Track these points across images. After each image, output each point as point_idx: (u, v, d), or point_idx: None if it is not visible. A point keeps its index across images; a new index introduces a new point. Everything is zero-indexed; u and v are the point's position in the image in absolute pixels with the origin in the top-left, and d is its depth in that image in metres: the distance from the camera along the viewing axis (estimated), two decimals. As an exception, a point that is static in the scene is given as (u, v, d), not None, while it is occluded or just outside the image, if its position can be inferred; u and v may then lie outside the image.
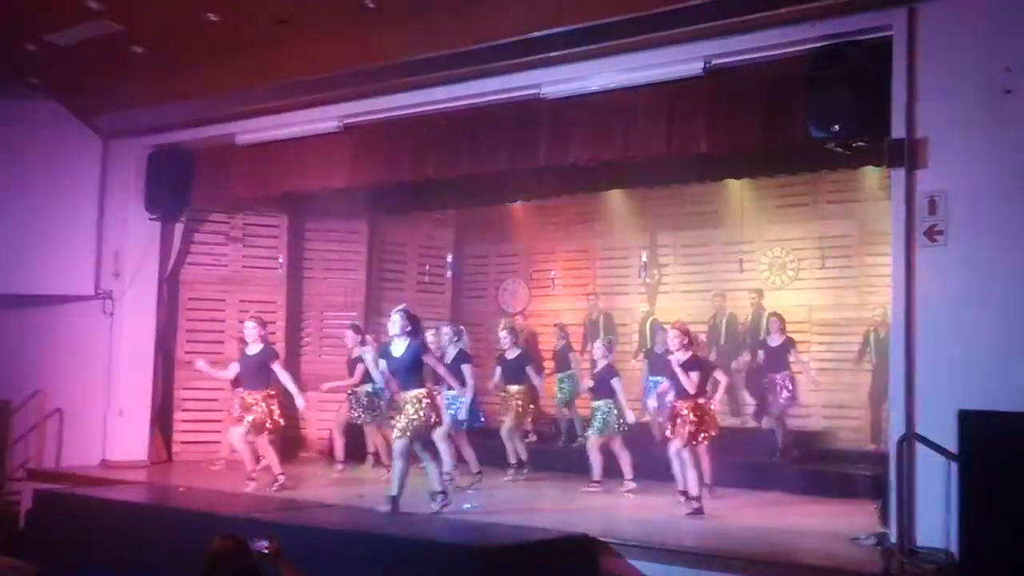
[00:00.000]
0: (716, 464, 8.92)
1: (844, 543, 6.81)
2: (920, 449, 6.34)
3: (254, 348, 9.18)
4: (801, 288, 11.68)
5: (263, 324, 9.40)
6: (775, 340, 10.27)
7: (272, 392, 9.13)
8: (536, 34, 8.06)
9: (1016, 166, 6.40)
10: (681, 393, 8.25)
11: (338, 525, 7.39)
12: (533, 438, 11.49)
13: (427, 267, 13.43)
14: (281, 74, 9.46)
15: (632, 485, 9.18)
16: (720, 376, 9.07)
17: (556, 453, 11.27)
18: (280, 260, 12.21)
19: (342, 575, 6.17)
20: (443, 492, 7.85)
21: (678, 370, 8.20)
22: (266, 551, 4.80)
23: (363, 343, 10.25)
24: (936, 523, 5.94)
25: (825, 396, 11.27)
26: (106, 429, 11.13)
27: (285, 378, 9.06)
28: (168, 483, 9.92)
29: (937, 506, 5.89)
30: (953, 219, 6.56)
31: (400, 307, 8.02)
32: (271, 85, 9.63)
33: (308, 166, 10.12)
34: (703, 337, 10.54)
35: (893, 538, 6.39)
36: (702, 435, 8.29)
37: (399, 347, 7.80)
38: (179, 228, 11.49)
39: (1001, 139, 6.44)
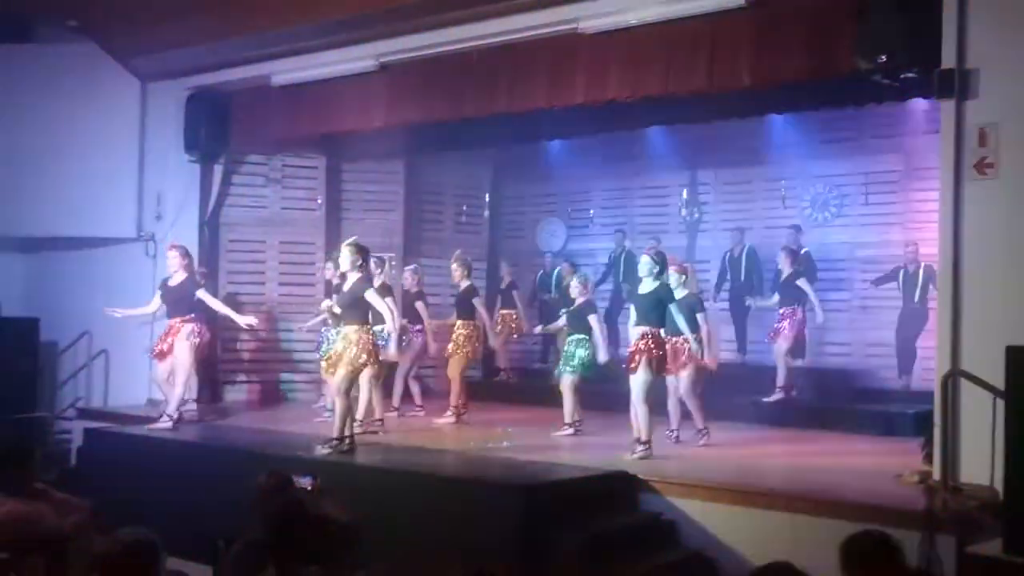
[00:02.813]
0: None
1: (887, 481, 6.78)
2: (965, 386, 6.27)
3: (178, 278, 9.24)
4: (844, 225, 11.51)
5: (186, 254, 9.43)
6: (784, 274, 10.15)
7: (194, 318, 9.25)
8: (574, -34, 7.91)
9: (1071, 96, 6.21)
10: (642, 323, 7.75)
11: (381, 463, 7.49)
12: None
13: (464, 207, 13.38)
14: (317, 13, 9.37)
15: (568, 431, 8.74)
16: (701, 321, 8.33)
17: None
18: (319, 201, 12.22)
19: (385, 512, 6.25)
20: (337, 439, 7.59)
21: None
22: (310, 487, 4.89)
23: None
24: (980, 460, 5.87)
25: (867, 334, 11.16)
26: (151, 369, 11.31)
27: (216, 304, 9.27)
28: (214, 421, 10.11)
29: (982, 443, 5.82)
30: (1004, 151, 6.38)
31: (350, 240, 7.93)
32: (307, 24, 9.55)
33: (345, 106, 10.07)
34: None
35: (937, 475, 6.36)
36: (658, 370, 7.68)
37: (349, 281, 7.75)
38: (218, 170, 11.53)
39: (1056, 68, 6.24)
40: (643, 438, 7.62)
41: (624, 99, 8.51)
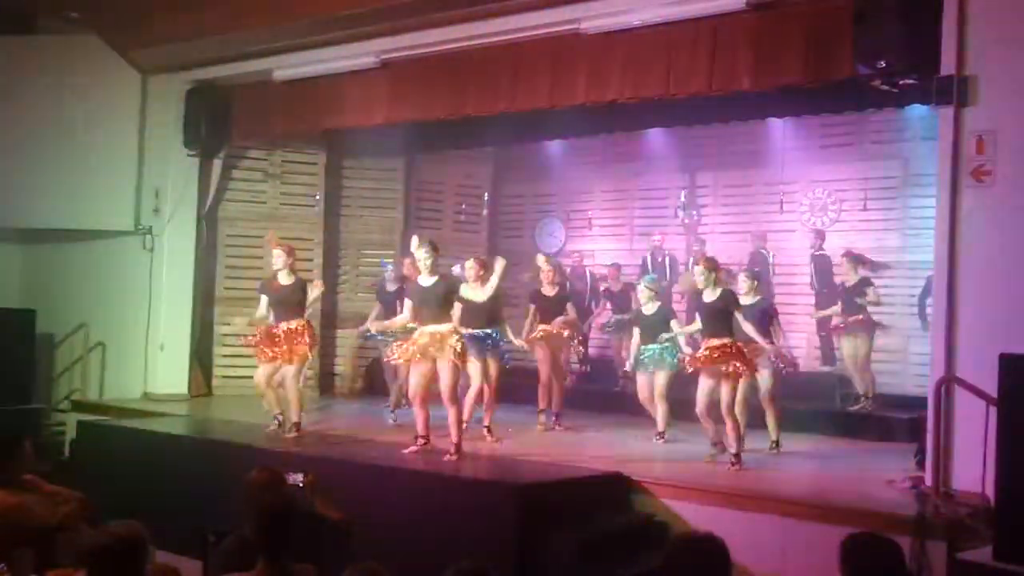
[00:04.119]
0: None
1: (879, 486, 6.78)
2: (959, 392, 6.27)
3: (287, 277, 8.51)
4: (842, 230, 11.50)
5: (292, 252, 8.72)
6: (851, 280, 10.05)
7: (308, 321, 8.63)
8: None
9: (1069, 104, 6.21)
10: (709, 332, 7.78)
11: (373, 460, 7.47)
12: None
13: (464, 206, 13.37)
14: (319, 9, 9.38)
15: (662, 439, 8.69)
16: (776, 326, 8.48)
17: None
18: (317, 197, 12.22)
19: (376, 510, 6.25)
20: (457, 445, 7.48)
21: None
22: (301, 484, 4.89)
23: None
24: (973, 467, 5.87)
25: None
26: (147, 362, 11.32)
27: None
28: (208, 416, 10.10)
29: (974, 450, 5.83)
30: (1001, 159, 6.38)
31: (425, 240, 7.72)
32: (309, 20, 9.55)
33: (346, 103, 10.08)
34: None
35: (929, 481, 6.37)
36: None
37: (428, 281, 7.61)
38: (218, 165, 11.53)
39: (1054, 76, 6.24)
40: (712, 439, 7.81)
41: (625, 100, 8.52)
